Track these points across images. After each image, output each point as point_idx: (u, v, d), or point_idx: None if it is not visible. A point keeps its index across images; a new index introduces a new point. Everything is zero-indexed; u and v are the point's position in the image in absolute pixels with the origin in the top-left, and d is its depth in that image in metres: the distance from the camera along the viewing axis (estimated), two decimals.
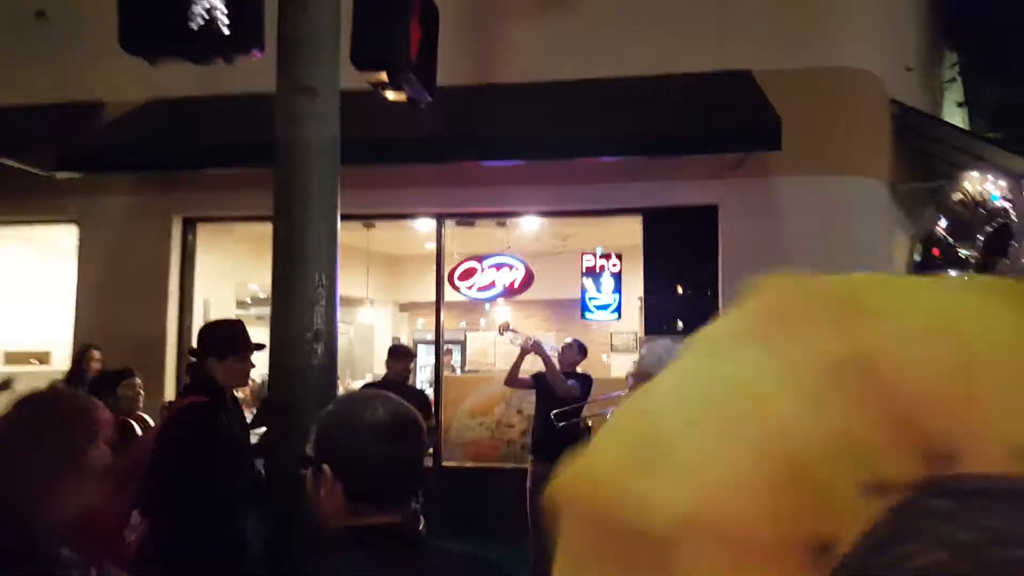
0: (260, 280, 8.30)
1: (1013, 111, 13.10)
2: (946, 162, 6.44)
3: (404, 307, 12.07)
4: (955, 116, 10.15)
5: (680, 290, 6.28)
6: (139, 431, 4.25)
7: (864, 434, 0.33)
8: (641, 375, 2.36)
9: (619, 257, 7.82)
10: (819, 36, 6.05)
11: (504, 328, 6.01)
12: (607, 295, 7.87)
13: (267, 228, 7.04)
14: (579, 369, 5.52)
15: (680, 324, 6.07)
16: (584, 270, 7.90)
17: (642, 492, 0.36)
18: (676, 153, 5.62)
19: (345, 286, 3.58)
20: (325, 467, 1.32)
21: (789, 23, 6.06)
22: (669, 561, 0.35)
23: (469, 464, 6.81)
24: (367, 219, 7.00)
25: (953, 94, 10.45)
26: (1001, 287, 0.41)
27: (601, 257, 7.87)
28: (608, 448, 0.41)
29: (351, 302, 9.83)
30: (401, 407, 1.39)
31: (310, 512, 1.37)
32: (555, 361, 5.44)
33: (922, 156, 6.71)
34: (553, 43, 6.29)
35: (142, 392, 4.74)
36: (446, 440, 6.81)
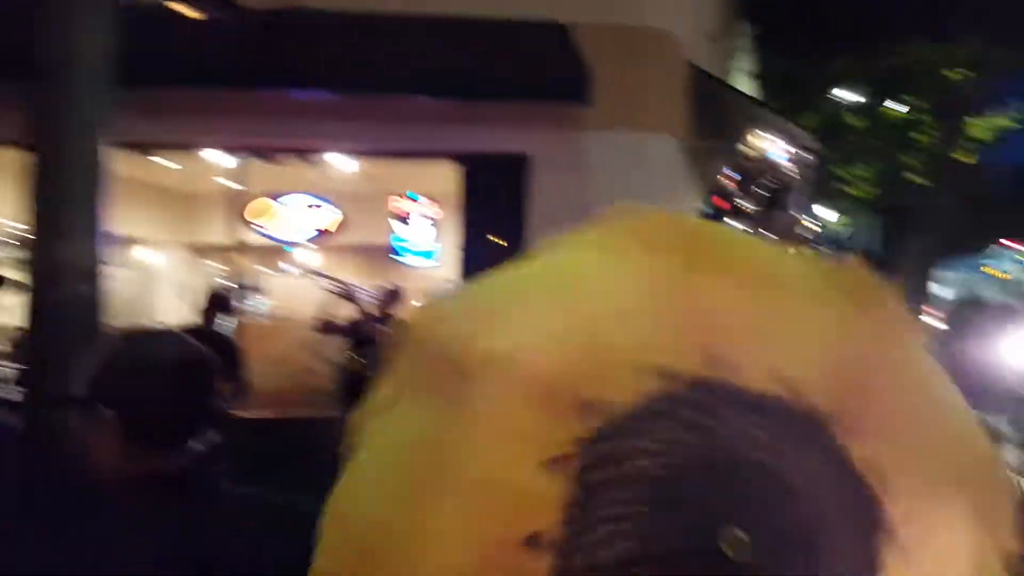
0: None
1: (797, 83, 14.73)
2: (736, 126, 7.04)
3: (195, 249, 11.17)
4: (746, 84, 11.10)
5: (497, 238, 6.35)
6: None
7: (657, 331, 0.40)
8: None
9: (439, 203, 7.75)
10: None
11: (308, 270, 5.72)
12: (424, 241, 7.78)
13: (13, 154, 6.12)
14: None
15: None
16: (397, 214, 7.73)
17: (465, 332, 0.42)
18: (487, 98, 5.64)
19: (125, 224, 3.19)
20: (101, 408, 1.24)
21: None
22: (466, 390, 0.40)
23: (270, 414, 6.51)
24: (151, 148, 6.28)
25: (746, 64, 11.39)
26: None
27: (414, 202, 7.74)
28: (449, 303, 0.48)
29: (132, 242, 8.84)
30: (189, 345, 1.33)
31: (73, 458, 1.24)
32: (371, 307, 5.33)
33: (715, 119, 7.30)
34: None
35: None
36: (246, 390, 6.45)
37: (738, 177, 6.73)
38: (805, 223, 8.29)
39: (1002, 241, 18.55)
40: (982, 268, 17.99)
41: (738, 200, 6.79)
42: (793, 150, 7.51)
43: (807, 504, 0.36)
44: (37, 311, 2.36)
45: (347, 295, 5.25)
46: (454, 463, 0.42)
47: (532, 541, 0.37)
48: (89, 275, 2.32)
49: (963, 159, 15.73)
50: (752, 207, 6.79)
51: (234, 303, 6.86)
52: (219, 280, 9.44)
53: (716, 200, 6.82)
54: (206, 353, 1.35)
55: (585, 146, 6.16)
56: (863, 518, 0.37)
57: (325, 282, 5.51)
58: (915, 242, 15.43)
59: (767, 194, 7.00)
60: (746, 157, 6.64)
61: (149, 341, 1.36)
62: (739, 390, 0.39)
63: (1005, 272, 17.59)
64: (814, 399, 0.39)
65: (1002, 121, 16.01)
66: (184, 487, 1.27)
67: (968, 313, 4.43)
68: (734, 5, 9.75)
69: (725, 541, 0.34)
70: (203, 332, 4.73)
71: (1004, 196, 18.73)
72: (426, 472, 0.43)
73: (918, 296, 13.45)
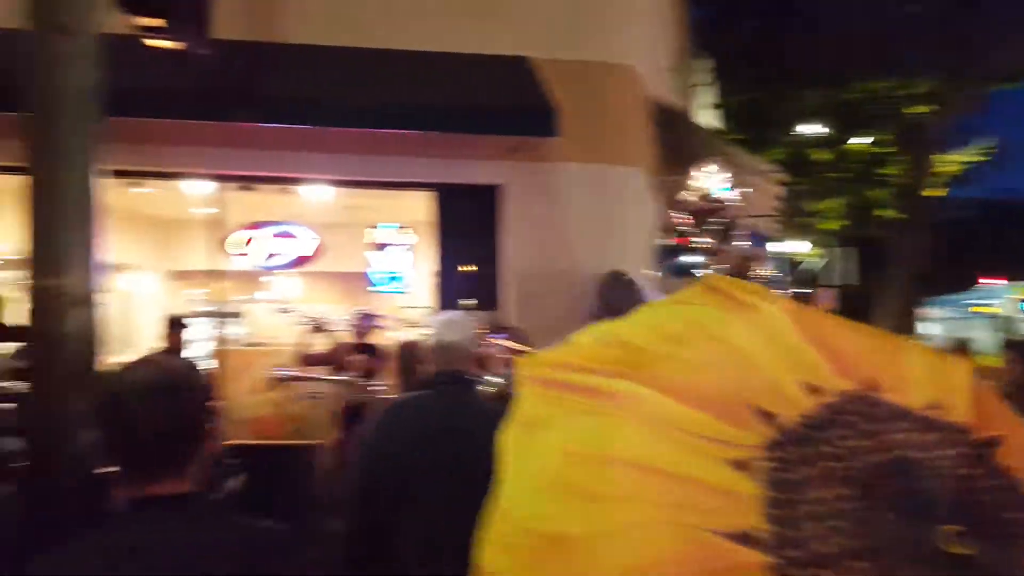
0: None
1: (756, 114, 15.01)
2: (699, 157, 7.26)
3: (176, 275, 11.17)
4: (710, 118, 11.37)
5: (470, 266, 6.50)
6: None
7: (712, 422, 0.45)
8: (434, 344, 2.45)
9: (412, 231, 7.88)
10: (590, 30, 6.53)
11: (282, 308, 5.87)
12: (397, 270, 7.91)
13: (11, 181, 6.19)
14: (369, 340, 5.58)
15: (474, 300, 6.30)
16: (373, 243, 7.86)
17: (619, 356, 0.52)
18: (458, 131, 5.81)
19: (110, 251, 3.27)
20: (101, 434, 1.30)
21: (563, 14, 6.47)
22: (630, 394, 0.48)
23: (252, 441, 6.53)
24: (135, 177, 6.40)
25: (708, 96, 11.69)
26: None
27: (396, 231, 7.89)
28: (584, 341, 0.57)
29: (113, 268, 8.89)
30: (166, 367, 1.33)
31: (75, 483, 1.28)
32: (346, 335, 5.45)
33: (677, 151, 7.51)
34: (341, 8, 6.15)
35: None
36: (225, 417, 6.48)
37: (689, 212, 6.94)
38: (764, 256, 8.45)
39: (982, 280, 18.16)
40: (971, 309, 17.34)
41: (690, 234, 6.99)
42: (751, 184, 7.71)
43: (995, 500, 0.40)
44: (35, 339, 2.37)
45: (318, 328, 5.39)
46: (639, 462, 0.46)
47: (741, 537, 0.40)
48: (86, 303, 2.36)
49: (932, 193, 15.74)
50: (705, 241, 6.98)
51: (212, 329, 6.94)
52: (190, 305, 9.49)
53: (673, 235, 7.03)
54: (182, 373, 1.34)
55: (553, 177, 6.33)
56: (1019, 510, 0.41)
57: (297, 316, 5.63)
58: (894, 276, 15.39)
59: (718, 228, 7.19)
60: (697, 193, 6.87)
61: (139, 367, 1.33)
62: (891, 404, 0.44)
63: (995, 307, 16.87)
64: (951, 413, 0.45)
65: (968, 155, 16.07)
66: (184, 510, 1.27)
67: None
68: (692, 39, 10.06)
69: (942, 535, 0.36)
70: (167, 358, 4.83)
71: (976, 230, 18.58)
72: (605, 472, 0.47)
73: (905, 334, 13.47)
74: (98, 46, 2.39)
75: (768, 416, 0.42)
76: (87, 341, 2.36)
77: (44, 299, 2.30)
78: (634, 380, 0.48)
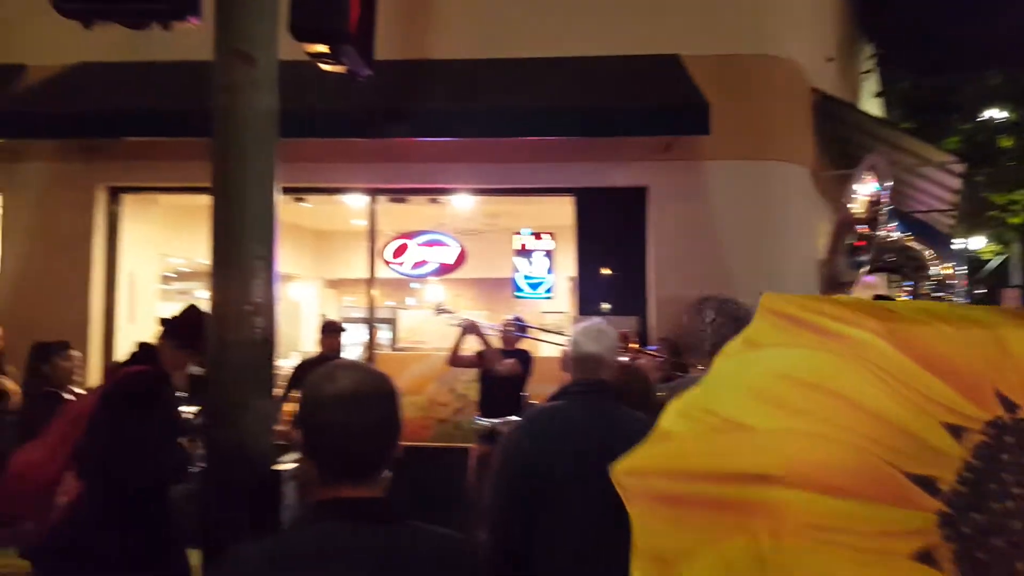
0: (184, 252, 8.03)
1: (925, 101, 13.83)
2: (864, 149, 6.78)
3: (332, 284, 11.89)
4: (872, 106, 10.65)
5: (611, 271, 6.43)
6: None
7: (943, 388, 0.46)
8: (576, 353, 2.43)
9: (552, 236, 7.92)
10: (746, 24, 6.28)
11: (439, 309, 6.02)
12: (540, 275, 7.97)
13: (192, 199, 6.81)
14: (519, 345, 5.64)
15: (609, 305, 6.24)
16: (519, 249, 7.97)
17: (740, 452, 0.47)
18: (607, 134, 5.74)
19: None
20: (300, 438, 1.30)
21: (716, 10, 6.26)
22: (763, 498, 0.45)
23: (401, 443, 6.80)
24: (297, 193, 6.88)
25: (871, 84, 10.95)
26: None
27: (534, 236, 7.95)
28: (683, 434, 0.56)
29: (280, 278, 9.59)
30: (366, 375, 1.33)
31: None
32: (495, 339, 5.53)
33: (841, 143, 7.05)
34: (487, 21, 6.31)
35: (78, 366, 4.75)
36: None
37: (859, 210, 6.44)
38: (940, 254, 7.74)
39: None
40: None
41: (868, 236, 6.46)
42: (925, 175, 7.09)
43: None
44: (218, 345, 2.48)
45: (472, 330, 5.50)
46: (848, 396, 0.51)
47: (926, 483, 0.45)
48: (267, 311, 2.50)
49: None
50: (877, 237, 6.48)
51: (364, 334, 7.32)
52: (346, 312, 10.05)
53: (842, 233, 6.53)
54: (381, 381, 1.33)
55: (704, 176, 6.10)
56: None
57: (452, 318, 5.79)
58: None
59: (888, 224, 6.67)
60: (866, 187, 6.37)
61: (341, 372, 1.32)
62: None
63: None
64: None
65: None
66: (378, 514, 1.27)
67: None
68: (855, 25, 9.44)
69: None
70: (326, 361, 5.12)
71: None
72: (811, 395, 0.54)
73: None
74: (277, 73, 2.58)
75: (1009, 400, 0.44)
76: (267, 347, 2.53)
77: (228, 308, 2.47)
78: (768, 481, 0.51)
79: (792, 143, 6.31)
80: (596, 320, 2.58)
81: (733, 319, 2.77)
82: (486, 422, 5.31)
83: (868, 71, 10.39)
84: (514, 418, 4.94)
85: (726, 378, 0.59)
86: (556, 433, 2.25)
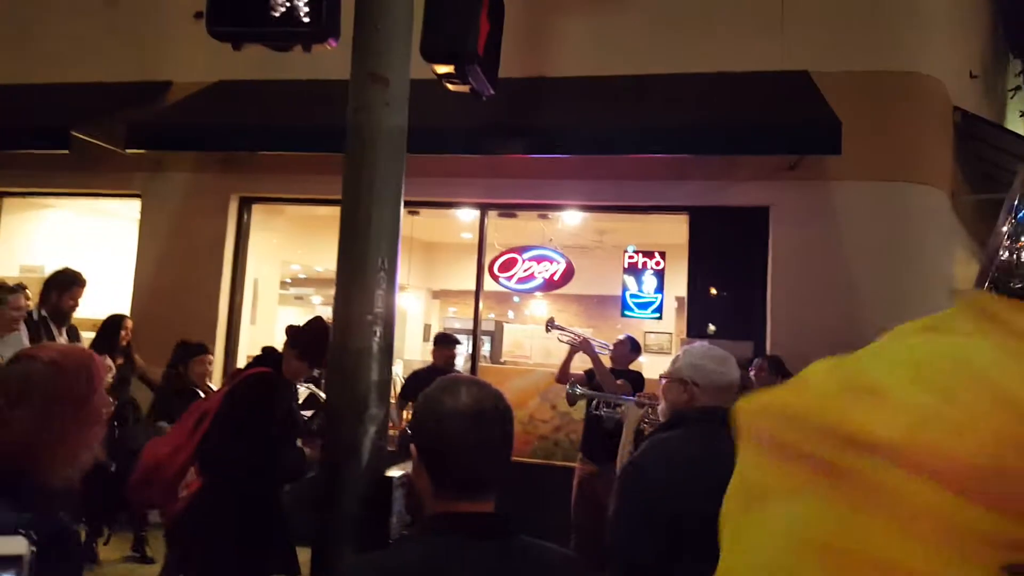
0: (303, 260, 8.45)
1: None
2: (1009, 171, 6.30)
3: (437, 294, 12.16)
4: (1019, 125, 9.90)
5: (725, 292, 6.24)
6: None
7: None
8: (674, 377, 2.36)
9: (662, 256, 7.80)
10: (881, 39, 5.96)
11: (551, 324, 5.95)
12: (649, 294, 7.84)
13: (313, 210, 7.13)
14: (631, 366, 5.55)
15: (714, 327, 6.05)
16: (626, 266, 7.88)
17: (862, 415, 0.43)
18: (732, 152, 5.57)
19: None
20: (414, 451, 1.32)
21: (850, 25, 5.98)
22: (870, 473, 0.40)
23: None
24: (411, 206, 7.10)
25: (1017, 103, 10.19)
26: None
27: (643, 255, 7.84)
28: (820, 385, 0.49)
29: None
30: (486, 391, 1.33)
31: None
32: (606, 359, 5.46)
33: (984, 165, 6.57)
34: (608, 38, 6.29)
35: (211, 368, 5.18)
36: None
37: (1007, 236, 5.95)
38: None
39: None
40: None
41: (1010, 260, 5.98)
42: None
43: None
44: (340, 353, 2.56)
45: (583, 347, 5.40)
46: (878, 560, 0.40)
47: None
48: (387, 321, 2.59)
49: None
50: None
51: (468, 347, 7.44)
52: (449, 323, 10.25)
53: (994, 259, 6.08)
54: (499, 399, 1.34)
55: (833, 197, 5.81)
56: None
57: (563, 334, 5.72)
58: None
59: None
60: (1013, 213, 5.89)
61: (461, 388, 1.32)
62: None
63: None
64: None
65: None
66: (494, 529, 1.27)
67: None
68: (1001, 41, 8.82)
69: None
70: (438, 372, 5.22)
71: None
72: (834, 568, 0.42)
73: None
74: (407, 93, 2.68)
75: None
76: (385, 355, 2.61)
77: (352, 316, 2.56)
78: (880, 453, 0.40)
79: (930, 164, 5.92)
80: (700, 343, 2.50)
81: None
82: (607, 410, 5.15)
83: (1016, 89, 9.67)
84: (630, 400, 4.84)
85: (894, 352, 0.48)
86: (689, 461, 2.11)
